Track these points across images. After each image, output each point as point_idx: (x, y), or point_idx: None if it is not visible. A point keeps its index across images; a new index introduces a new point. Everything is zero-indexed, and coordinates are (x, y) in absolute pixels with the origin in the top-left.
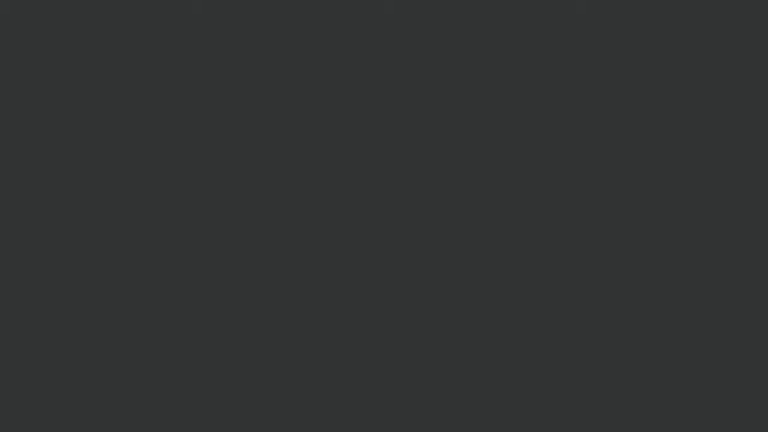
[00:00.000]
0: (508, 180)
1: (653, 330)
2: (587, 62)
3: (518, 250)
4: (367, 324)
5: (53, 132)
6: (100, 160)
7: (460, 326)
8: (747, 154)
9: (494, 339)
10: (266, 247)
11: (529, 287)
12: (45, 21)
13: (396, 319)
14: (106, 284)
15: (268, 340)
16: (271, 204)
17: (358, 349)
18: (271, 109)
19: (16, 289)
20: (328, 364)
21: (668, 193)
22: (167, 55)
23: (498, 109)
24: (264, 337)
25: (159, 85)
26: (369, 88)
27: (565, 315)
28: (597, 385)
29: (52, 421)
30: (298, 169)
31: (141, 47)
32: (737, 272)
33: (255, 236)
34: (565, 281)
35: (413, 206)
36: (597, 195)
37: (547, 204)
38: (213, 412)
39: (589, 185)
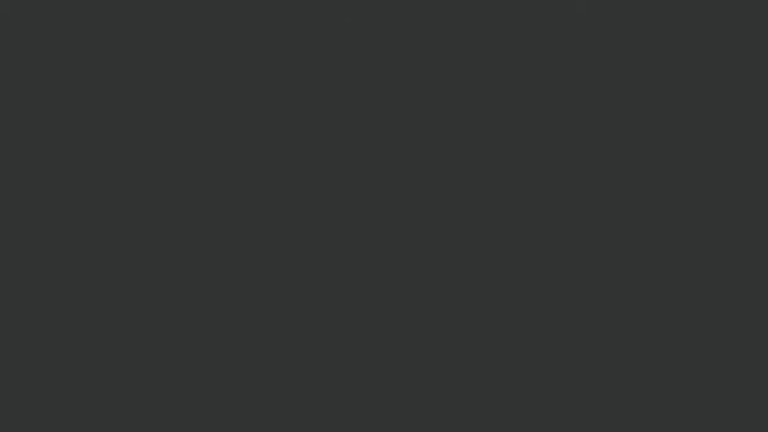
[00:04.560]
0: (508, 180)
1: (653, 330)
2: (587, 62)
3: (518, 251)
4: (367, 324)
5: (53, 132)
6: (100, 160)
7: (460, 326)
8: (747, 154)
9: (494, 339)
10: (266, 248)
11: (529, 287)
12: (45, 21)
13: (396, 319)
14: (105, 284)
15: (268, 340)
16: (271, 204)
17: (358, 349)
18: (271, 109)
19: (16, 289)
20: (328, 364)
21: (668, 193)
22: (167, 55)
23: (498, 109)
24: (264, 337)
25: (159, 85)
26: (369, 88)
27: (565, 315)
28: (597, 385)
29: (52, 421)
30: (298, 169)
31: (141, 47)
32: (737, 272)
33: (255, 236)
34: (565, 282)
35: (413, 206)
36: (597, 195)
37: (547, 204)
38: (213, 412)
39: (589, 185)
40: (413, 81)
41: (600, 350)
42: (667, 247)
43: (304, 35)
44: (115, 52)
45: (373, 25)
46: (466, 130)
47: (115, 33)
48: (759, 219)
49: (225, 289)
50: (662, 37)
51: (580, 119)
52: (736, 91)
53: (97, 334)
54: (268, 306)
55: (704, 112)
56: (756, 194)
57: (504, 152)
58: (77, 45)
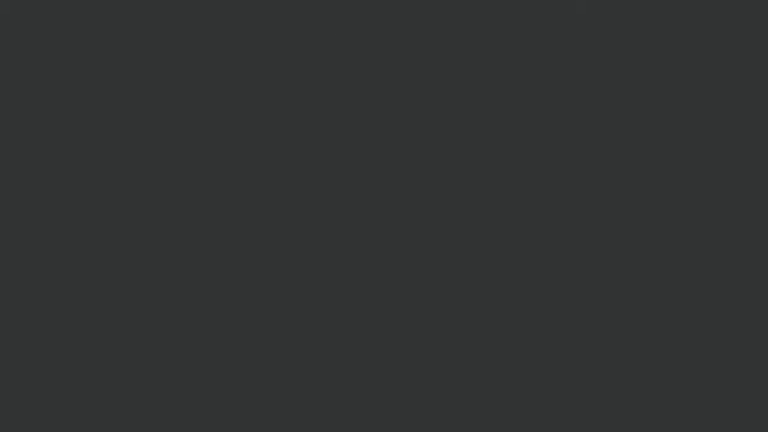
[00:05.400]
0: (509, 180)
1: (653, 330)
2: (587, 62)
3: (518, 251)
4: (368, 324)
5: (53, 132)
6: (100, 160)
7: (460, 326)
8: (747, 154)
9: (494, 339)
10: (266, 248)
11: (529, 288)
12: (45, 21)
13: (396, 319)
14: (106, 284)
15: (268, 340)
16: (271, 204)
17: (358, 349)
18: (271, 109)
19: (16, 289)
20: (328, 365)
21: (668, 194)
22: (167, 55)
23: (498, 109)
24: (264, 337)
25: (159, 85)
26: (369, 88)
27: (565, 315)
28: (597, 385)
29: (52, 421)
30: (298, 170)
31: (141, 47)
32: (737, 272)
33: (255, 237)
34: (565, 282)
35: (413, 206)
36: (597, 195)
37: (547, 204)
38: (213, 412)
39: (589, 185)
40: (413, 81)
41: (600, 350)
42: (667, 248)
43: (304, 35)
44: (115, 52)
45: (374, 25)
46: (466, 130)
47: (115, 33)
48: (759, 219)
49: (225, 289)
50: (662, 37)
51: (580, 119)
52: (736, 91)
53: (97, 334)
54: (268, 306)
55: (704, 112)
56: (756, 194)
57: (504, 152)
58: (77, 45)
